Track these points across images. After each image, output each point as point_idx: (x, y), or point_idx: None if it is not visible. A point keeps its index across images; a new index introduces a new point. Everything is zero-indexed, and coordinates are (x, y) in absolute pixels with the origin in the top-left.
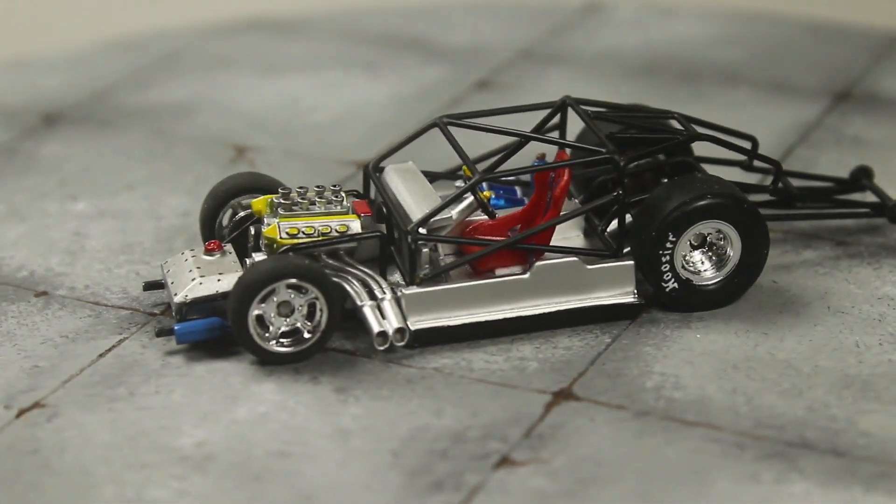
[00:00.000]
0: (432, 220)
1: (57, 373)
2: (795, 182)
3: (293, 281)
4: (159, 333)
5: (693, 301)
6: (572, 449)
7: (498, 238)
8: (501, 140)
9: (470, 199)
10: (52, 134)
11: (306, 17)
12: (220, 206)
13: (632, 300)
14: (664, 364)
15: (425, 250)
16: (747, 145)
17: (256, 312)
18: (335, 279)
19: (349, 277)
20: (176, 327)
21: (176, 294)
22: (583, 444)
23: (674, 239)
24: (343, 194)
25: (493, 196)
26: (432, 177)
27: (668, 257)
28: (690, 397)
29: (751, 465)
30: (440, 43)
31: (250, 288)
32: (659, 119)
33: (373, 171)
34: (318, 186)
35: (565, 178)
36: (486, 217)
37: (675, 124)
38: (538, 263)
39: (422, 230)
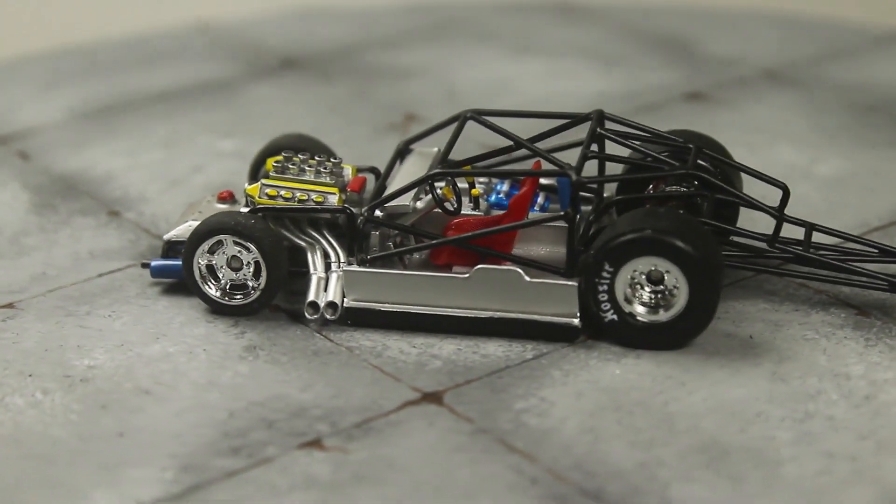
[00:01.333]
0: (391, 206)
1: (52, 281)
2: (832, 240)
3: (234, 237)
4: (142, 265)
5: (632, 338)
6: (381, 447)
7: (449, 237)
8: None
9: (438, 191)
10: (274, 77)
11: (607, 5)
12: (264, 159)
13: (568, 322)
14: (553, 391)
15: (374, 233)
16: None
17: (206, 262)
18: (306, 244)
19: (315, 246)
20: (152, 263)
21: (168, 232)
22: (396, 444)
23: (610, 269)
24: (344, 167)
25: (497, 196)
26: (454, 164)
27: (605, 287)
28: (542, 427)
29: (524, 500)
30: (698, 49)
31: (195, 237)
32: (681, 149)
33: (402, 149)
34: (320, 157)
35: (526, 188)
36: (477, 213)
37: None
38: (478, 267)
39: (378, 213)
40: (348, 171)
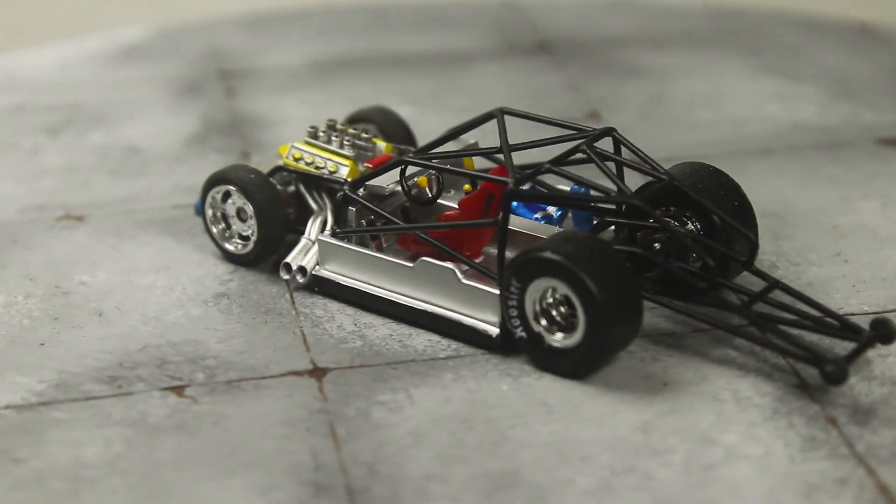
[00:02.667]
0: (371, 185)
1: (134, 203)
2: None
3: (233, 188)
4: (196, 210)
5: (538, 358)
6: (227, 405)
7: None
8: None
9: (412, 180)
10: (519, 57)
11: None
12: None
13: (487, 329)
14: (426, 391)
15: (351, 208)
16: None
17: (218, 211)
18: (314, 209)
19: (319, 213)
20: (196, 203)
21: None
22: (241, 406)
23: (517, 285)
24: (375, 143)
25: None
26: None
27: (514, 302)
28: (378, 420)
29: (290, 482)
30: None
31: (205, 185)
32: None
33: (445, 137)
34: (356, 129)
35: (477, 189)
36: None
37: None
38: (421, 259)
39: (361, 192)
40: (381, 147)
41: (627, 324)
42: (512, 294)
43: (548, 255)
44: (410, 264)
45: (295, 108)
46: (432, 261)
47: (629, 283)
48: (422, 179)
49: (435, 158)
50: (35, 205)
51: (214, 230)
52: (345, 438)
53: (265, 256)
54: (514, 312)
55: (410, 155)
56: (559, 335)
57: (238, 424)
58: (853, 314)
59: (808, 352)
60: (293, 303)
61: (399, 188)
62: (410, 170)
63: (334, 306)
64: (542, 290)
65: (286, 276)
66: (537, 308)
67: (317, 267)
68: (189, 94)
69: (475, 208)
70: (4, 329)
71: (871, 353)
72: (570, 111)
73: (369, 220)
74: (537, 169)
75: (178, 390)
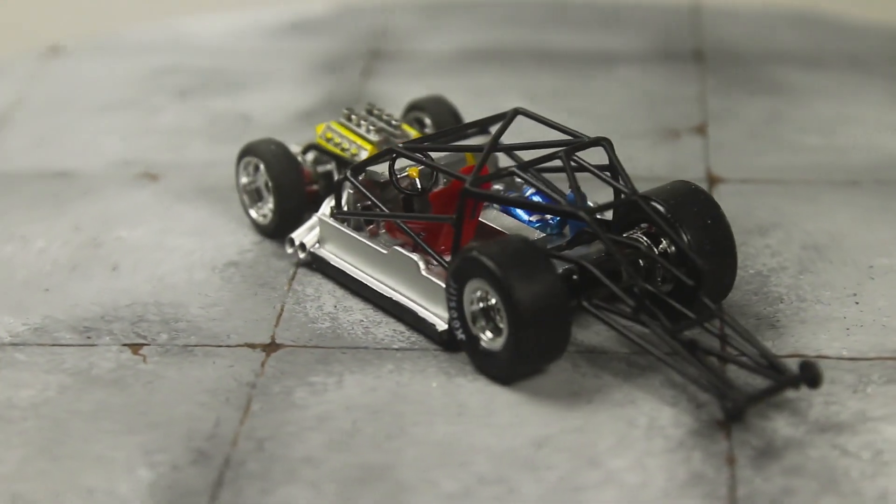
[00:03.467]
0: (370, 170)
1: (204, 170)
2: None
3: (258, 160)
4: None
5: (474, 360)
6: (167, 368)
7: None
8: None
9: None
10: (665, 64)
11: None
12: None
13: (435, 324)
14: (359, 378)
15: (349, 190)
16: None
17: (244, 179)
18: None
19: (338, 190)
20: None
21: None
22: (178, 369)
23: (455, 286)
24: (404, 129)
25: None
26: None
27: (454, 303)
28: (291, 401)
29: (154, 446)
30: None
31: (237, 156)
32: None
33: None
34: (387, 116)
35: (440, 185)
36: None
37: None
38: (394, 247)
39: (361, 177)
40: (410, 135)
41: (551, 333)
42: (452, 294)
43: (474, 255)
44: (384, 251)
45: (416, 93)
46: (401, 250)
47: (556, 292)
48: (412, 170)
49: (428, 150)
50: (123, 160)
51: (246, 200)
52: (255, 413)
53: (283, 229)
54: (455, 313)
55: (401, 144)
56: (490, 336)
57: (168, 387)
58: (827, 357)
59: (715, 384)
60: (291, 279)
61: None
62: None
63: (327, 286)
64: (477, 292)
65: (290, 251)
66: (475, 309)
67: (316, 245)
68: (326, 71)
69: (445, 202)
70: (26, 271)
71: (817, 399)
72: (675, 123)
73: (366, 205)
74: (497, 171)
75: (136, 348)
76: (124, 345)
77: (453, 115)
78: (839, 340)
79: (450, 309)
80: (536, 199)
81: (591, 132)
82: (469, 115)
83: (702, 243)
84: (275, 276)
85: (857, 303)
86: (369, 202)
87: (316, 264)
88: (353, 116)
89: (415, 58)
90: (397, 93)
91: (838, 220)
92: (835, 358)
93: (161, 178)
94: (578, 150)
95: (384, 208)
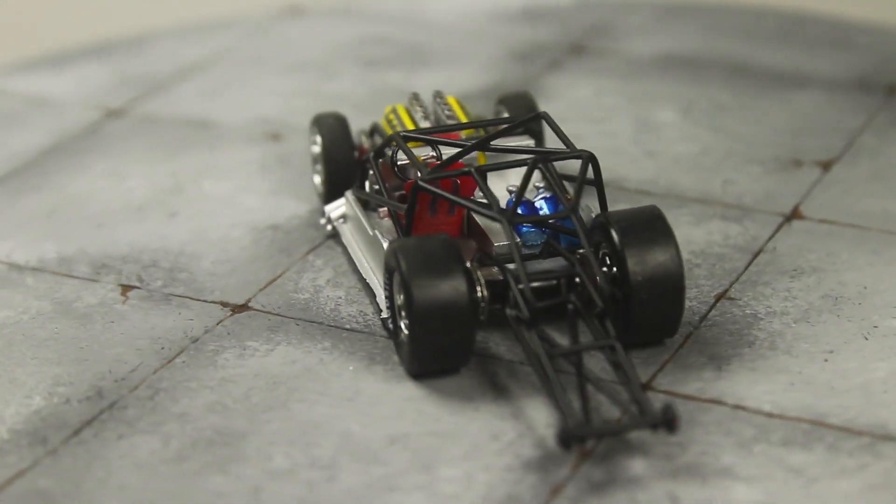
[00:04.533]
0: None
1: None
2: None
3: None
4: None
5: (397, 350)
6: (134, 313)
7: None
8: None
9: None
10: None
11: None
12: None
13: (383, 311)
14: (292, 351)
15: (371, 172)
16: None
17: (312, 147)
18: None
19: (362, 171)
20: None
21: None
22: (146, 313)
23: (386, 276)
24: (458, 119)
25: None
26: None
27: (387, 292)
28: (220, 361)
29: (46, 366)
30: None
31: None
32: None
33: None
34: (445, 104)
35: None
36: None
37: None
38: (374, 231)
39: (382, 161)
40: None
41: (449, 336)
42: (385, 284)
43: (394, 248)
44: (371, 232)
45: (580, 90)
46: (378, 235)
47: (457, 297)
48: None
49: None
50: (264, 118)
51: (312, 166)
52: (175, 366)
53: (331, 198)
54: (387, 303)
55: (403, 132)
56: (404, 328)
57: (122, 328)
58: (744, 408)
59: (563, 409)
60: (312, 249)
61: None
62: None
63: (338, 261)
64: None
65: (321, 222)
66: (400, 300)
67: (341, 220)
68: (516, 58)
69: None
70: (98, 207)
71: (695, 446)
72: (807, 154)
73: (376, 189)
74: (447, 168)
75: (127, 289)
76: (120, 285)
77: (530, 112)
78: (774, 394)
79: (385, 297)
80: (540, 203)
81: (719, 152)
82: (595, 120)
83: (639, 271)
84: (299, 245)
85: (826, 360)
86: (387, 185)
87: (336, 237)
88: (415, 102)
89: (609, 57)
90: (563, 87)
91: (883, 276)
92: (751, 410)
93: (282, 140)
94: (557, 159)
95: (385, 193)
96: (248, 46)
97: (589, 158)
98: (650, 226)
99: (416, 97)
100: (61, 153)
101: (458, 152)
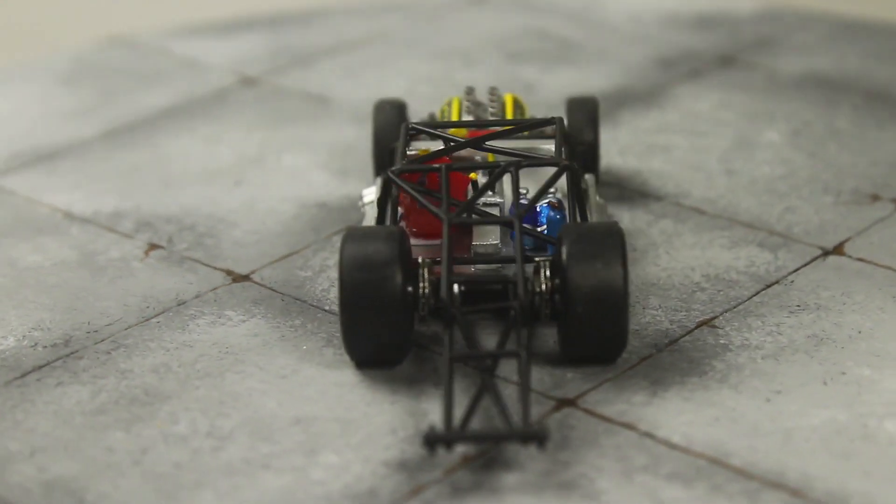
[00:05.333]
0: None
1: None
2: None
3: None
4: None
5: None
6: (139, 264)
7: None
8: None
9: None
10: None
11: None
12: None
13: None
14: (256, 322)
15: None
16: None
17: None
18: None
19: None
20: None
21: None
22: (156, 272)
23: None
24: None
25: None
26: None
27: None
28: (187, 327)
29: (20, 308)
30: None
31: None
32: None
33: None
34: (493, 102)
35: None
36: None
37: None
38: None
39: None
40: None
41: (375, 326)
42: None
43: (347, 233)
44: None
45: (701, 102)
46: (371, 219)
47: (385, 289)
48: (473, 175)
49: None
50: (366, 99)
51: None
52: (148, 325)
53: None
54: None
55: (412, 123)
56: None
57: (124, 284)
58: (653, 436)
59: (444, 411)
60: (340, 230)
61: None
62: None
63: None
64: None
65: (359, 204)
66: None
67: (370, 203)
68: (662, 65)
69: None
70: (177, 169)
71: (577, 467)
72: (882, 189)
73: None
74: (412, 164)
75: (151, 249)
76: (148, 244)
77: (591, 120)
78: (692, 427)
79: None
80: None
81: (800, 178)
82: (696, 134)
83: (578, 285)
84: (333, 225)
85: (768, 400)
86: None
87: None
88: (467, 96)
89: (754, 72)
90: (685, 97)
91: (886, 322)
92: (659, 439)
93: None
94: (529, 165)
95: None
96: (410, 30)
97: (566, 168)
98: (601, 241)
99: (469, 91)
100: (178, 114)
101: (444, 148)
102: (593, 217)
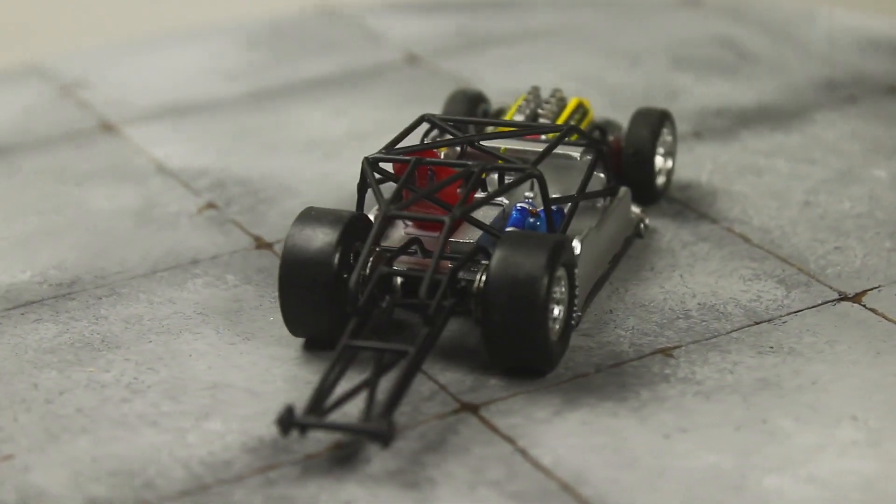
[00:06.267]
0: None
1: None
2: None
3: None
4: None
5: None
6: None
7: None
8: None
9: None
10: None
11: None
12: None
13: None
14: (236, 290)
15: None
16: None
17: None
18: None
19: None
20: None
21: None
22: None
23: None
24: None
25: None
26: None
27: None
28: (176, 288)
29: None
30: None
31: None
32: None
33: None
34: (548, 105)
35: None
36: None
37: None
38: None
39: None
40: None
41: (305, 301)
42: None
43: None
44: None
45: (832, 130)
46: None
47: (319, 266)
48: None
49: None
50: (513, 92)
51: None
52: (153, 278)
53: None
54: None
55: (432, 115)
56: None
57: (159, 237)
58: (526, 454)
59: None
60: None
61: None
62: None
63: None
64: None
65: None
66: None
67: None
68: (823, 88)
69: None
70: (283, 137)
71: (429, 471)
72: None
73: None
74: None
75: (207, 208)
76: (207, 203)
77: (652, 134)
78: (571, 451)
79: None
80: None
81: (877, 220)
82: (803, 161)
83: (496, 290)
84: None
85: (667, 436)
86: None
87: None
88: (529, 94)
89: (857, 89)
90: (821, 122)
91: (850, 378)
92: (529, 458)
93: (501, 116)
94: (498, 169)
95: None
96: (596, 26)
97: (531, 176)
98: (533, 252)
99: (533, 90)
100: (326, 84)
101: (429, 143)
102: (609, 229)
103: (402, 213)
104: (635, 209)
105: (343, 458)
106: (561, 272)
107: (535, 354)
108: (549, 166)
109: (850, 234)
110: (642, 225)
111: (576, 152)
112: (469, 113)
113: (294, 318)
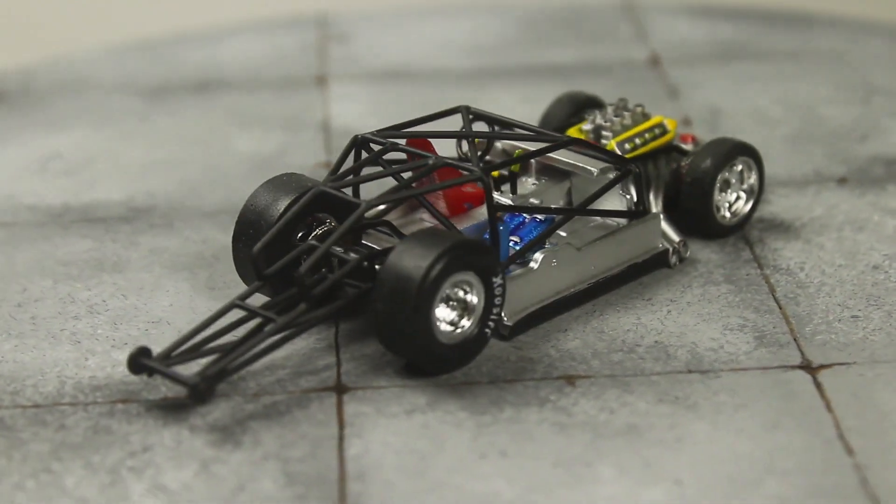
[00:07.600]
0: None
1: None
2: None
3: None
4: None
5: None
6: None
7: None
8: None
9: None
10: None
11: None
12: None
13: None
14: None
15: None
16: None
17: None
18: None
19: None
20: None
21: None
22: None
23: None
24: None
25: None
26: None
27: None
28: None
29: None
30: None
31: None
32: None
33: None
34: (618, 118)
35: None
36: None
37: None
38: None
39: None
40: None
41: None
42: None
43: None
44: None
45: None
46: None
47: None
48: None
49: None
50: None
51: None
52: (191, 215)
53: None
54: None
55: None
56: None
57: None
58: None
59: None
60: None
61: None
62: None
63: None
64: None
65: None
66: None
67: None
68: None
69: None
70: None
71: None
72: None
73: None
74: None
75: (324, 166)
76: (326, 162)
77: (714, 166)
78: (370, 444)
79: None
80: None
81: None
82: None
83: (384, 282)
84: None
85: (483, 456)
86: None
87: None
88: (609, 106)
89: None
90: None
91: (720, 442)
92: (337, 449)
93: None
94: (449, 165)
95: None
96: (862, 54)
97: (480, 179)
98: (427, 250)
99: (623, 102)
100: (545, 71)
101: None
102: (602, 249)
103: (330, 189)
104: (674, 237)
105: (182, 407)
106: (468, 276)
107: (417, 353)
108: (561, 176)
109: (884, 306)
110: (674, 253)
111: (596, 167)
112: (572, 112)
113: (245, 274)
